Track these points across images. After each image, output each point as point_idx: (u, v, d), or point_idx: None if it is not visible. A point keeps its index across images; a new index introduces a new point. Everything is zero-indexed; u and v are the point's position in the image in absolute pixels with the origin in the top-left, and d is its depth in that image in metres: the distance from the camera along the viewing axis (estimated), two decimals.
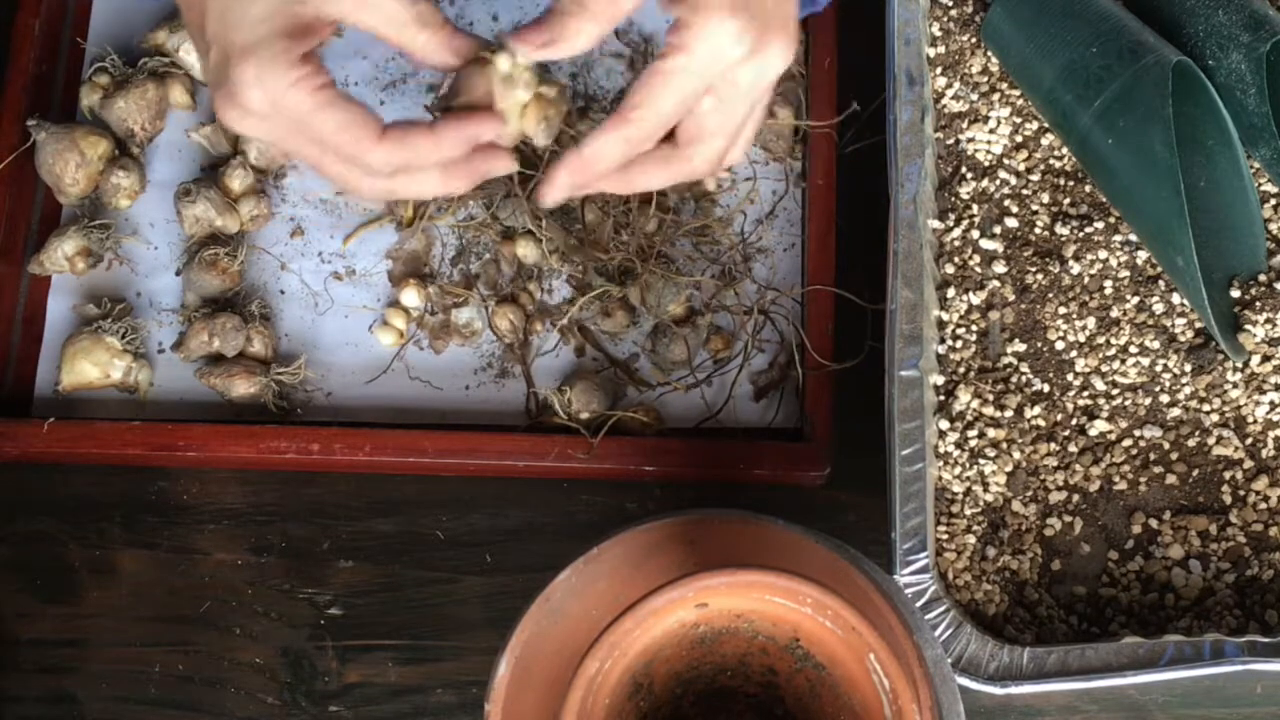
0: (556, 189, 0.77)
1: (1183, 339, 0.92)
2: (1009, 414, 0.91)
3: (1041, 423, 0.91)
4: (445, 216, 1.00)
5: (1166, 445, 0.90)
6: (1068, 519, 0.89)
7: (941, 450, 0.90)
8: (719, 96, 0.75)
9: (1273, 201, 0.94)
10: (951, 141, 0.97)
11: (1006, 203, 0.95)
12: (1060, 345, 0.92)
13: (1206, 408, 0.90)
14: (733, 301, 0.98)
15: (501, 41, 0.76)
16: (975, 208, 0.95)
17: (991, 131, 0.97)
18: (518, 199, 0.98)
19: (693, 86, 0.74)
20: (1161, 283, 0.93)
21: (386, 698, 0.94)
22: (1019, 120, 0.97)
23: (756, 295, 0.98)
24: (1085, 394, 0.91)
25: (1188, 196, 0.86)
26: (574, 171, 0.76)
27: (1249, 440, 0.90)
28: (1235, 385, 0.90)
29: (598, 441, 0.94)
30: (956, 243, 0.95)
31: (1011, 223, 0.95)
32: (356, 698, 0.94)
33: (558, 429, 0.95)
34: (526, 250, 0.99)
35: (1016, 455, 0.90)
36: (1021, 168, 0.96)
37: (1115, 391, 0.91)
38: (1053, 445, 0.90)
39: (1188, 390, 0.91)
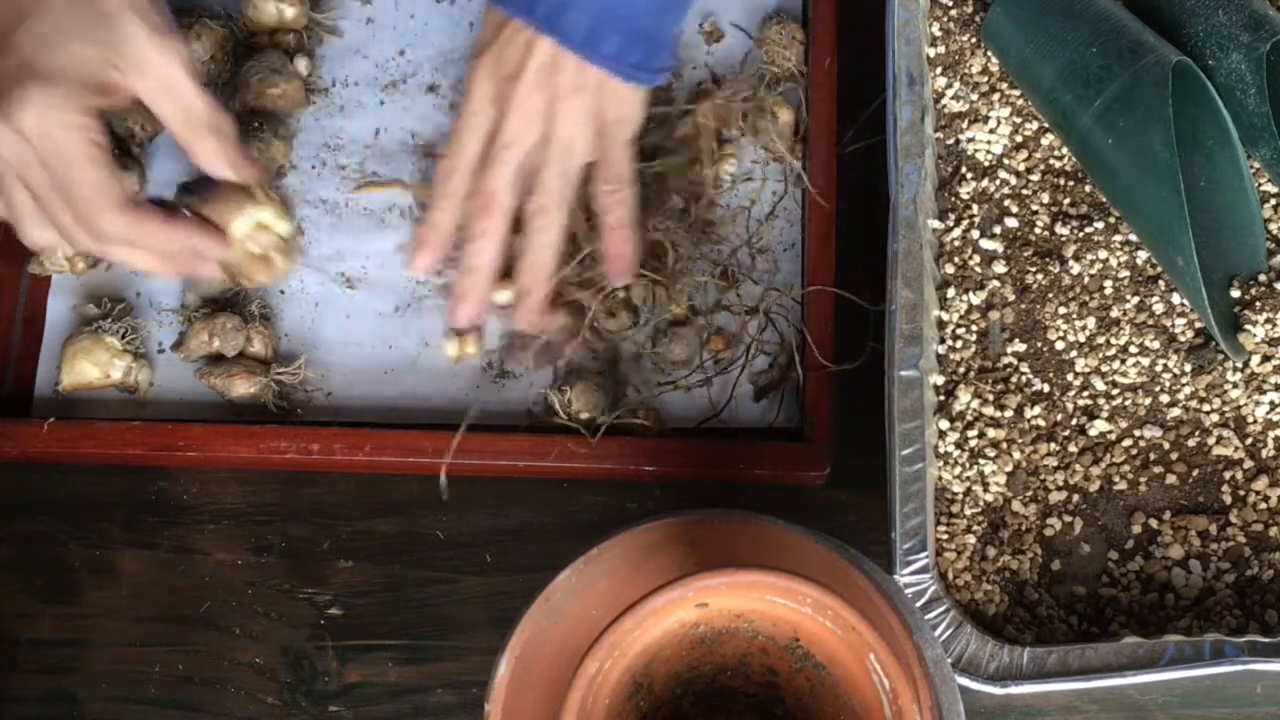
0: (418, 259, 0.92)
1: (1183, 339, 0.92)
2: (1009, 414, 0.91)
3: (1041, 423, 0.91)
4: None
5: (1166, 445, 0.90)
6: (1068, 519, 0.89)
7: (941, 450, 0.90)
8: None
9: (1273, 201, 0.94)
10: (951, 141, 0.97)
11: (1006, 203, 0.95)
12: (1060, 345, 0.92)
13: (1206, 408, 0.90)
14: (733, 302, 0.98)
15: (267, 194, 0.86)
16: (975, 208, 0.95)
17: (991, 131, 0.97)
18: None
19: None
20: (1161, 283, 0.93)
21: (386, 698, 0.94)
22: (1019, 120, 0.97)
23: (759, 296, 0.98)
24: (1085, 394, 0.91)
25: (1188, 196, 0.86)
26: (426, 246, 0.92)
27: (1249, 440, 0.90)
28: (1235, 385, 0.90)
29: (596, 441, 0.94)
30: (956, 243, 0.95)
31: (1011, 223, 0.95)
32: (356, 698, 0.94)
33: (558, 429, 0.95)
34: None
35: (1016, 455, 0.90)
36: (1021, 168, 0.96)
37: (1115, 391, 0.91)
38: (1053, 445, 0.90)
39: (1188, 390, 0.91)
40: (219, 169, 0.83)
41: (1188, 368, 0.91)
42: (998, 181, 0.96)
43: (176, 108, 0.80)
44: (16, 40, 0.76)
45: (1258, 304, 0.91)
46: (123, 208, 0.79)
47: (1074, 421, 0.91)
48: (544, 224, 0.88)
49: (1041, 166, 0.96)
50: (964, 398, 0.91)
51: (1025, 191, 0.96)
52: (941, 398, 0.92)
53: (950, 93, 0.98)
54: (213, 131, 0.82)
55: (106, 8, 0.77)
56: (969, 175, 0.96)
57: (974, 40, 0.99)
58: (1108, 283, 0.93)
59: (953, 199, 0.96)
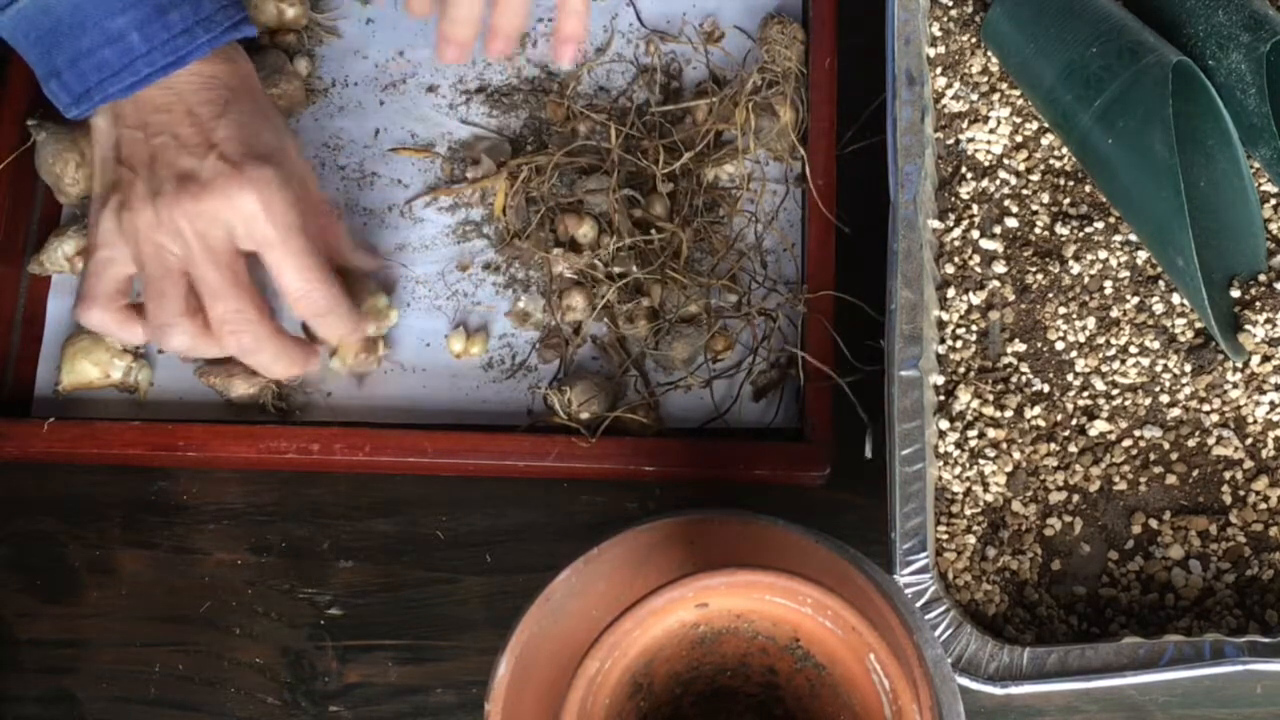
0: (566, 57, 0.90)
1: (1183, 339, 0.92)
2: (1009, 414, 0.91)
3: (1041, 423, 0.91)
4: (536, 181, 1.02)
5: (1166, 445, 0.90)
6: (1068, 519, 0.89)
7: (941, 450, 0.90)
8: None
9: (1273, 201, 0.94)
10: (951, 141, 0.97)
11: (1006, 203, 0.95)
12: (1060, 345, 0.92)
13: (1206, 408, 0.90)
14: (733, 301, 0.98)
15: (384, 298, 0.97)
16: (975, 208, 0.95)
17: (991, 131, 0.97)
18: (606, 185, 0.98)
19: None
20: (1161, 283, 0.93)
21: (386, 698, 0.94)
22: (1019, 120, 0.97)
23: (761, 296, 0.98)
24: (1085, 394, 0.91)
25: (1188, 196, 0.86)
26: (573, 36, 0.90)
27: (1249, 440, 0.90)
28: (1235, 385, 0.90)
29: (596, 440, 0.94)
30: (956, 243, 0.95)
31: (1011, 223, 0.95)
32: (356, 698, 0.94)
33: (558, 429, 0.95)
34: (587, 229, 0.98)
35: (1016, 455, 0.90)
36: (1021, 168, 0.96)
37: (1115, 391, 0.91)
38: (1053, 445, 0.90)
39: (1188, 390, 0.91)
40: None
41: (1188, 368, 0.91)
42: (998, 181, 0.96)
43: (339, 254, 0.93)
44: (221, 134, 0.87)
45: (1258, 304, 0.91)
46: (261, 321, 0.89)
47: (1074, 421, 0.91)
48: None
49: (1041, 166, 0.96)
50: (964, 398, 0.91)
51: (1025, 191, 0.96)
52: (941, 398, 0.92)
53: (950, 93, 0.98)
54: (353, 251, 0.93)
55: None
56: (969, 175, 0.96)
57: (974, 40, 0.99)
58: (1108, 283, 0.93)
59: (953, 199, 0.96)
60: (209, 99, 0.85)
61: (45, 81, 0.86)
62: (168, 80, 0.84)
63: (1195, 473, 0.89)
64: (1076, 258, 0.94)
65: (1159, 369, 0.91)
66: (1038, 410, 0.91)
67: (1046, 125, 0.96)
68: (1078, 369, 0.92)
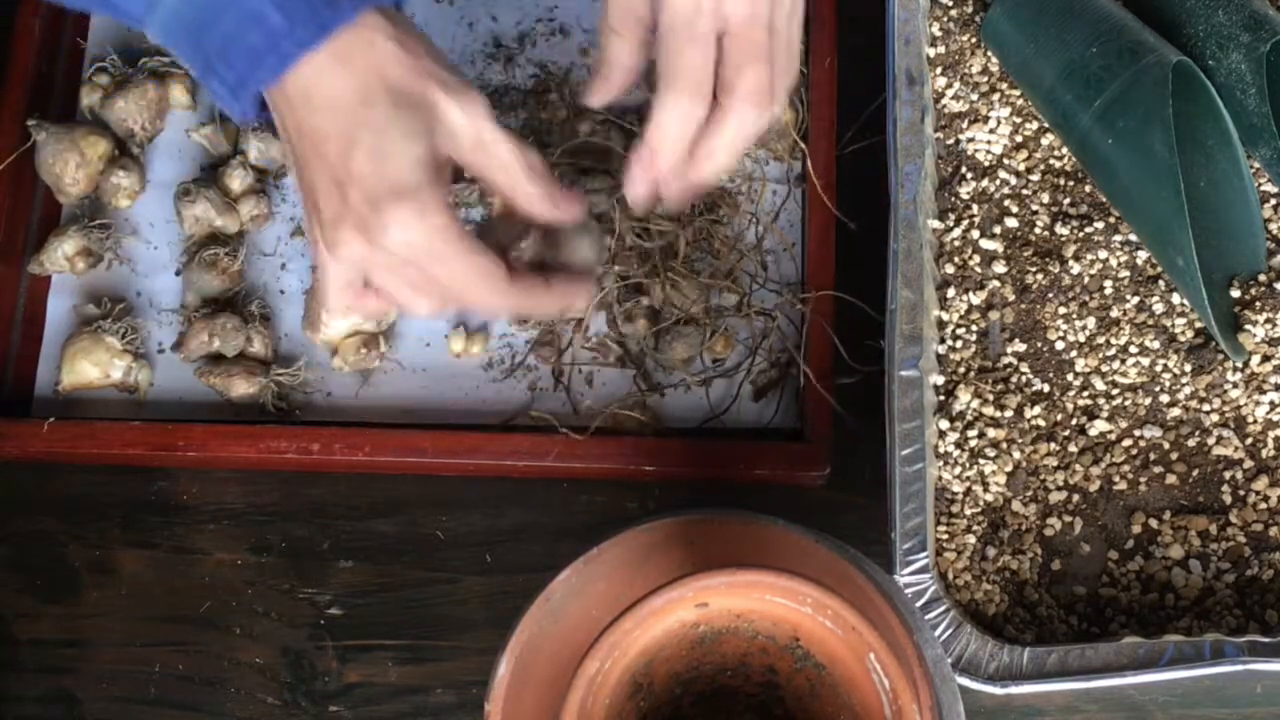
0: (635, 184, 0.79)
1: (1183, 339, 0.92)
2: (1009, 414, 0.91)
3: (1041, 423, 0.91)
4: None
5: (1166, 445, 0.90)
6: (1068, 519, 0.89)
7: (941, 450, 0.90)
8: (734, 26, 0.76)
9: (1273, 201, 0.94)
10: (951, 141, 0.97)
11: (1006, 203, 0.95)
12: (1060, 345, 0.92)
13: (1206, 408, 0.90)
14: (733, 302, 0.98)
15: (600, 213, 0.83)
16: (975, 208, 0.95)
17: (991, 131, 0.97)
18: (609, 187, 0.99)
19: (706, 28, 0.75)
20: (1161, 283, 0.93)
21: (386, 698, 0.94)
22: (1019, 120, 0.97)
23: (762, 296, 0.98)
24: (1085, 394, 0.91)
25: (1188, 196, 0.86)
26: (645, 165, 0.78)
27: (1249, 440, 0.90)
28: (1235, 385, 0.90)
29: (589, 438, 0.94)
30: (956, 243, 0.95)
31: (1011, 223, 0.95)
32: (356, 698, 0.94)
33: (555, 427, 0.95)
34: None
35: (1016, 455, 0.90)
36: (1021, 168, 0.96)
37: (1115, 391, 0.91)
38: (1053, 445, 0.90)
39: (1188, 390, 0.91)
40: (543, 213, 0.80)
41: (1188, 368, 0.91)
42: (998, 181, 0.96)
43: (493, 163, 0.79)
44: (356, 168, 0.75)
45: (1258, 304, 0.91)
46: (507, 287, 0.78)
47: (1074, 421, 0.91)
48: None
49: (1041, 166, 0.96)
50: (964, 398, 0.91)
51: (1025, 191, 0.96)
52: (941, 398, 0.92)
53: (950, 93, 0.98)
54: (531, 179, 0.79)
55: (417, 93, 0.76)
56: (969, 175, 0.96)
57: (974, 40, 0.99)
58: (1108, 283, 0.93)
59: (953, 199, 0.96)
60: (352, 97, 0.77)
61: (206, 82, 0.80)
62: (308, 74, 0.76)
63: (1195, 472, 0.89)
64: (1076, 258, 0.94)
65: (1159, 369, 0.91)
66: (1038, 410, 0.91)
67: (1046, 125, 0.96)
68: (1078, 369, 0.92)
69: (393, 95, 0.75)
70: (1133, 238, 0.93)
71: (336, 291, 0.79)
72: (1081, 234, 0.94)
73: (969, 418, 0.91)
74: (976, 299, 0.93)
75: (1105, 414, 0.91)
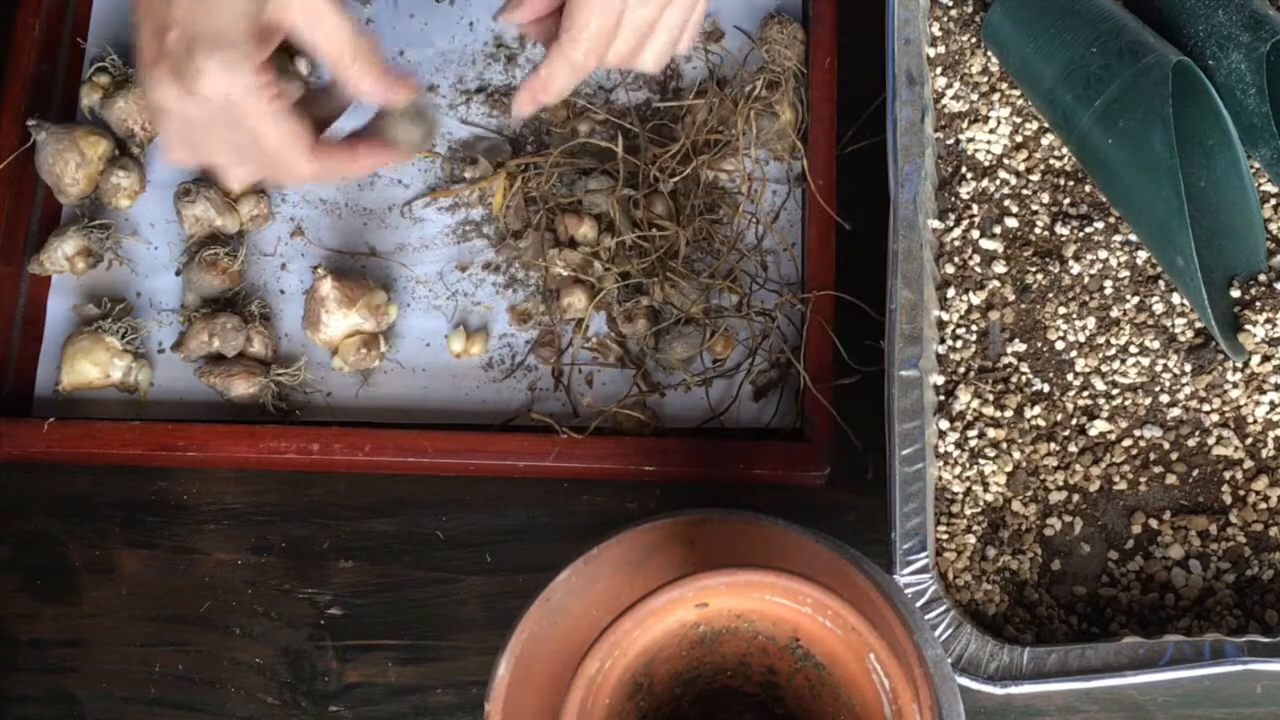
0: (521, 105, 0.85)
1: (1183, 339, 0.92)
2: (1009, 414, 0.91)
3: (1041, 423, 0.91)
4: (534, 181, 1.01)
5: (1166, 445, 0.90)
6: (1068, 519, 0.89)
7: (941, 450, 0.90)
8: None
9: (1273, 201, 0.94)
10: (951, 141, 0.97)
11: (1006, 203, 0.95)
12: (1060, 345, 0.92)
13: (1206, 408, 0.90)
14: (733, 302, 0.98)
15: (416, 104, 0.85)
16: (975, 208, 0.95)
17: (991, 131, 0.97)
18: (608, 187, 0.98)
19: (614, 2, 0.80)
20: (1161, 283, 0.93)
21: (386, 698, 0.94)
22: (1019, 120, 0.97)
23: (762, 297, 0.98)
24: (1085, 394, 0.91)
25: (1188, 196, 0.86)
26: (535, 90, 0.84)
27: (1249, 440, 0.90)
28: (1235, 385, 0.90)
29: (588, 437, 0.94)
30: (956, 243, 0.95)
31: (1011, 223, 0.95)
32: (356, 698, 0.94)
33: (554, 427, 0.95)
34: (587, 230, 0.98)
35: (1016, 455, 0.90)
36: (1021, 168, 0.96)
37: (1115, 391, 0.91)
38: (1053, 445, 0.90)
39: (1188, 390, 0.91)
40: (374, 94, 0.83)
41: (1188, 368, 0.91)
42: (998, 181, 0.96)
43: (323, 34, 0.81)
44: (179, 12, 0.77)
45: (1258, 304, 0.91)
46: (312, 153, 0.81)
47: (1074, 421, 0.91)
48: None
49: (1041, 166, 0.96)
50: (964, 398, 0.91)
51: (1025, 191, 0.96)
52: (941, 398, 0.92)
53: (950, 93, 0.98)
54: (359, 56, 0.82)
55: None
56: (969, 175, 0.96)
57: (974, 40, 0.99)
58: (1108, 283, 0.93)
59: (953, 199, 0.96)
60: None
61: None
62: None
63: (1195, 472, 0.89)
64: (1076, 258, 0.94)
65: (1159, 369, 0.91)
66: (1038, 410, 0.91)
67: (1046, 125, 0.96)
68: (1078, 369, 0.92)
69: None
70: (1133, 238, 0.93)
71: (168, 147, 0.82)
72: (1081, 234, 0.94)
73: (969, 418, 0.91)
74: (976, 299, 0.93)
75: (1105, 414, 0.91)
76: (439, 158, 1.03)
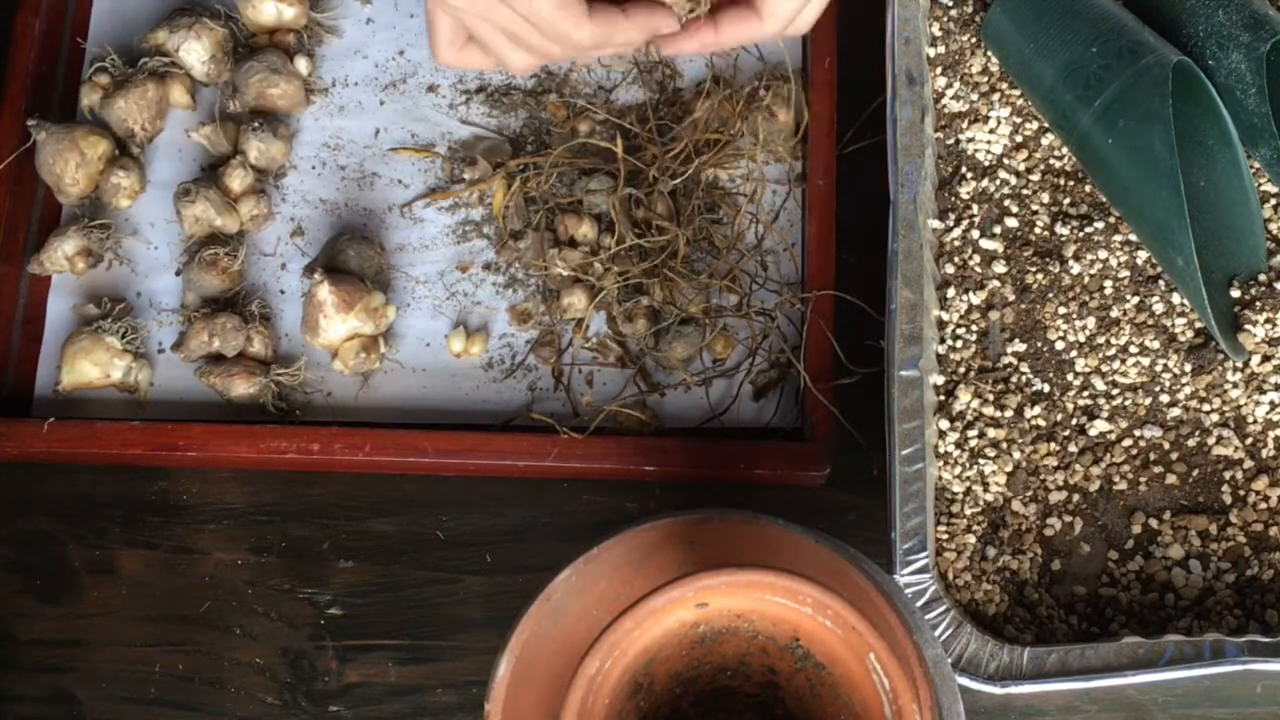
0: (680, 49, 0.85)
1: (1183, 339, 0.92)
2: (1009, 414, 0.91)
3: (1041, 423, 0.91)
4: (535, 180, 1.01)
5: (1166, 445, 0.90)
6: (1068, 519, 0.89)
7: (941, 450, 0.90)
8: None
9: (1273, 201, 0.94)
10: (951, 141, 0.97)
11: (1006, 203, 0.95)
12: (1060, 345, 0.92)
13: (1206, 408, 0.90)
14: (733, 302, 0.98)
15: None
16: (975, 208, 0.95)
17: (991, 131, 0.97)
18: (609, 188, 0.98)
19: None
20: (1161, 283, 0.93)
21: (386, 698, 0.94)
22: (1019, 120, 0.97)
23: (762, 297, 0.98)
24: (1085, 394, 0.91)
25: (1188, 196, 0.86)
26: (705, 47, 0.84)
27: (1249, 440, 0.90)
28: (1235, 385, 0.90)
29: (589, 437, 0.94)
30: (956, 243, 0.95)
31: (1011, 223, 0.95)
32: (356, 698, 0.94)
33: (553, 427, 0.95)
34: (587, 230, 0.98)
35: (1016, 455, 0.90)
36: (1021, 168, 0.96)
37: (1115, 391, 0.91)
38: (1053, 445, 0.90)
39: (1188, 390, 0.91)
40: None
41: (1188, 368, 0.91)
42: (998, 181, 0.96)
43: None
44: None
45: (1258, 304, 0.91)
46: (586, 20, 0.82)
47: (1074, 421, 0.91)
48: None
49: (1041, 166, 0.96)
50: (964, 398, 0.91)
51: (1025, 191, 0.96)
52: (941, 398, 0.92)
53: (950, 93, 0.98)
54: None
55: None
56: (969, 175, 0.96)
57: (974, 40, 0.99)
58: (1108, 283, 0.93)
59: (953, 199, 0.96)
60: None
61: None
62: None
63: (1195, 472, 0.90)
64: (1076, 258, 0.94)
65: (1159, 369, 0.91)
66: (1038, 410, 0.91)
67: (1046, 125, 0.96)
68: (1078, 369, 0.92)
69: None
70: (1133, 238, 0.93)
71: (444, 45, 0.85)
72: (1081, 234, 0.94)
73: (969, 418, 0.91)
74: (976, 299, 0.93)
75: (1105, 414, 0.91)
76: (438, 158, 1.03)
